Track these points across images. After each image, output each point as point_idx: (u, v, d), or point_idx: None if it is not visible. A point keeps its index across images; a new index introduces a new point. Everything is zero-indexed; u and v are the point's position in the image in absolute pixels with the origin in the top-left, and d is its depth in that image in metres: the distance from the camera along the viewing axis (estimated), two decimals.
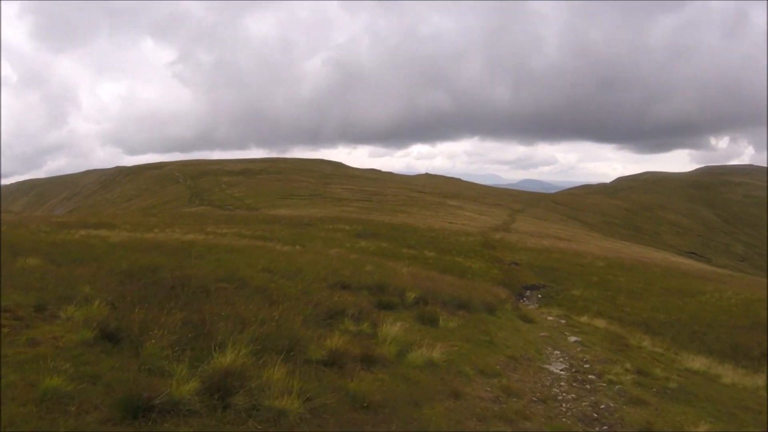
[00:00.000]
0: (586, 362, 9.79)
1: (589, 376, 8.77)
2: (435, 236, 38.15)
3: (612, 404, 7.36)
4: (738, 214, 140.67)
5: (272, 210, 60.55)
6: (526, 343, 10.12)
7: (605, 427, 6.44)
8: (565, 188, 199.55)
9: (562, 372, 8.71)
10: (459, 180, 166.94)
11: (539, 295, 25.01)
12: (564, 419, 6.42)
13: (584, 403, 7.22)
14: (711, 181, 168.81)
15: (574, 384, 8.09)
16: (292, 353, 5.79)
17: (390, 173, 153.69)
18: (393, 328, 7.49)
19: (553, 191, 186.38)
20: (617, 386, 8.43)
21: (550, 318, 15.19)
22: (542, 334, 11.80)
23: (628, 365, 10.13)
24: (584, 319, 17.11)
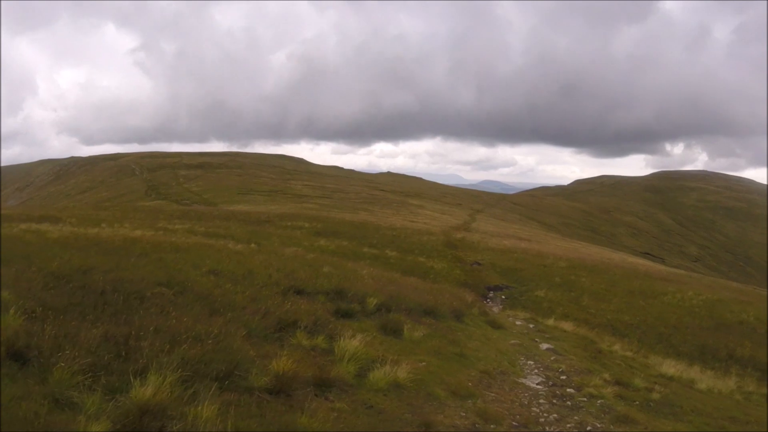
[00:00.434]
0: (563, 373, 9.04)
1: (568, 390, 8.01)
2: (397, 235, 37.30)
3: (598, 424, 6.60)
4: (691, 217, 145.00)
5: (230, 206, 58.64)
6: (498, 354, 9.30)
7: None
8: (524, 189, 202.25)
9: (539, 386, 7.91)
10: (421, 179, 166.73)
11: (503, 297, 24.40)
12: None
13: (568, 425, 6.43)
14: (666, 186, 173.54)
15: (554, 401, 7.29)
16: (229, 380, 4.75)
17: (352, 171, 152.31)
18: (352, 342, 6.49)
19: (512, 192, 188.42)
20: (599, 401, 7.70)
21: (518, 323, 14.49)
22: (513, 341, 11.01)
23: (606, 375, 9.44)
24: (551, 322, 16.53)
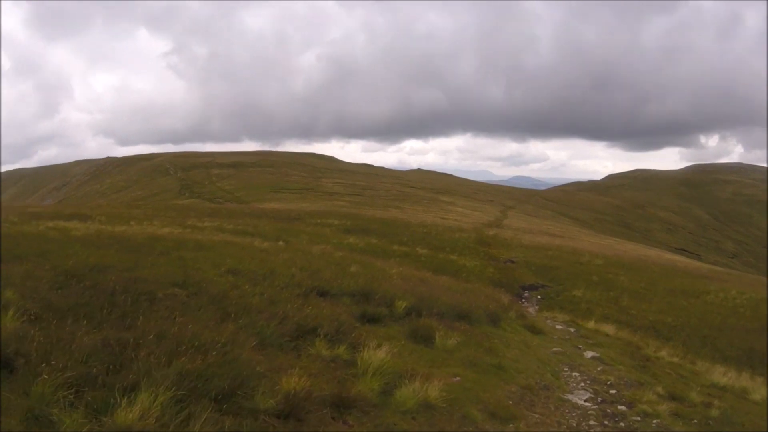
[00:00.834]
0: (612, 387, 8.16)
1: (620, 407, 7.14)
2: (427, 232, 36.49)
3: None
4: (728, 211, 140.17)
5: (262, 203, 58.65)
6: (540, 364, 8.45)
7: None
8: (555, 185, 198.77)
9: (587, 403, 7.05)
10: (451, 176, 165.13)
11: (539, 296, 23.39)
12: None
13: None
14: (701, 179, 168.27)
15: (605, 422, 6.44)
16: (231, 400, 4.09)
17: (382, 168, 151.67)
18: (378, 353, 5.75)
19: (543, 188, 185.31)
20: (655, 420, 6.84)
21: (558, 326, 13.56)
22: (555, 349, 10.12)
23: (659, 389, 8.52)
24: (592, 324, 15.54)
